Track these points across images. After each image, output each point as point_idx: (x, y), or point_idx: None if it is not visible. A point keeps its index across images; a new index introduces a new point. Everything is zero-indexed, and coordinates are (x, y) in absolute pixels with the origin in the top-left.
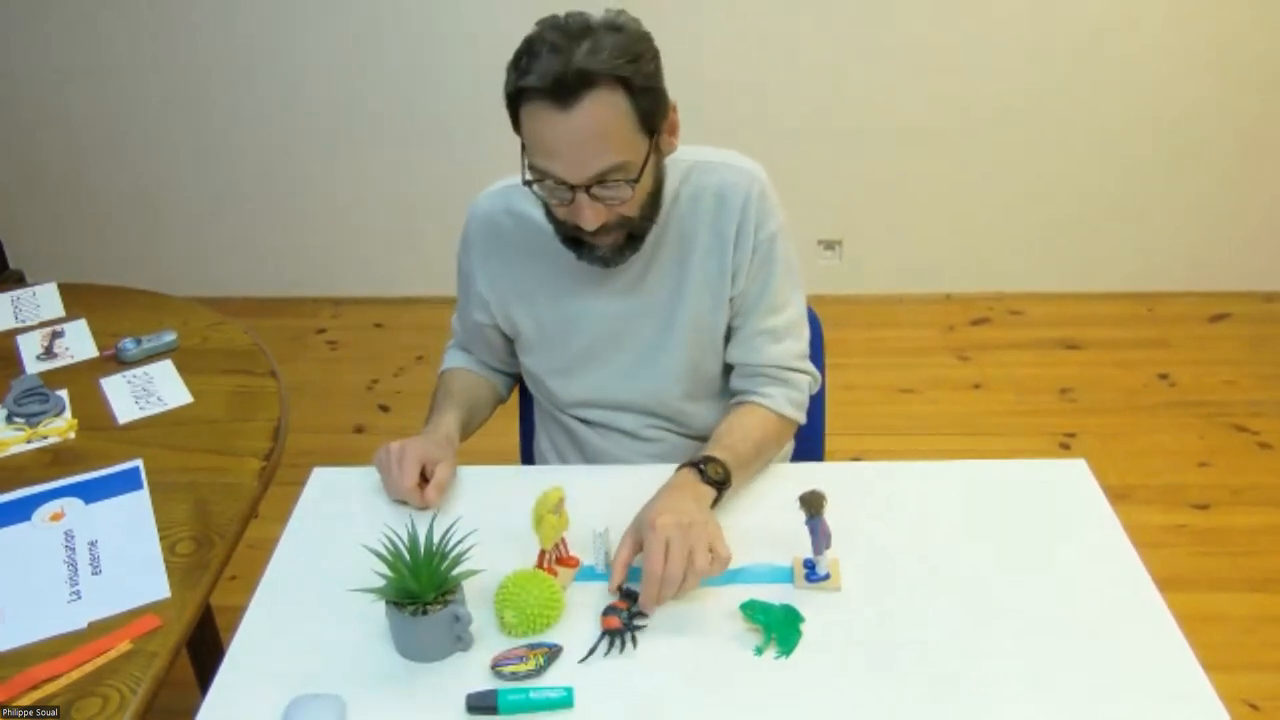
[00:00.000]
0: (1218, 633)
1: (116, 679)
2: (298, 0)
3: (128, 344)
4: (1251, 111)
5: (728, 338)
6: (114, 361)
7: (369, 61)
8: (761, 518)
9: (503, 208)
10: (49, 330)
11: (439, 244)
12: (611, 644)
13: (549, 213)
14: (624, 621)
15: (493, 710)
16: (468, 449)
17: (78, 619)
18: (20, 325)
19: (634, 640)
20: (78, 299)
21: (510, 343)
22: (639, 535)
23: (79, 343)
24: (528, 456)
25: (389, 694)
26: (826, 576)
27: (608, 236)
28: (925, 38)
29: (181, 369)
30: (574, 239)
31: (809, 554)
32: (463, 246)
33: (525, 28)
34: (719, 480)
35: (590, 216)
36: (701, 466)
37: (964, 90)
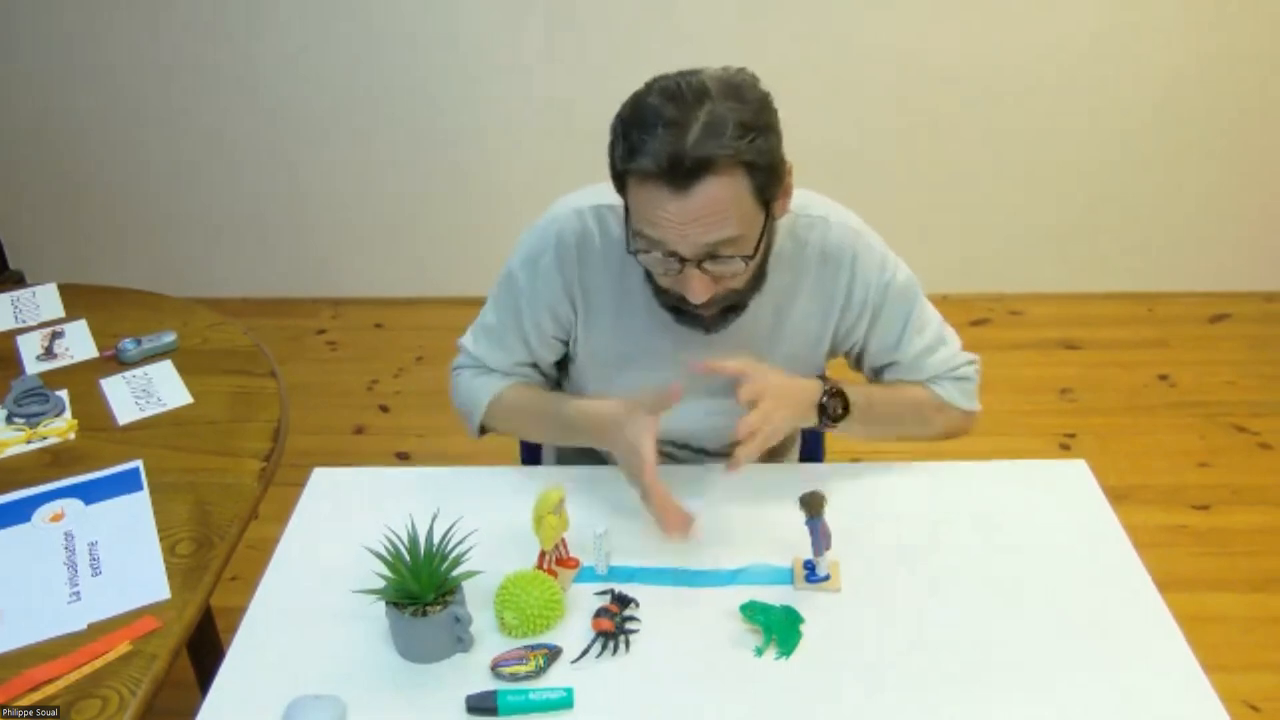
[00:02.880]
0: (1218, 633)
1: (116, 680)
2: (297, 4)
3: (128, 344)
4: (1252, 111)
5: (878, 376)
6: (114, 362)
7: (369, 62)
8: (761, 518)
9: (598, 229)
10: (49, 331)
11: (439, 244)
12: (604, 647)
13: (651, 278)
14: (616, 624)
15: (493, 711)
16: (467, 449)
17: (77, 620)
18: (20, 325)
19: (626, 643)
20: (78, 299)
21: (545, 369)
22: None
23: (79, 343)
24: (528, 457)
25: (389, 694)
26: (826, 577)
27: (711, 308)
28: (923, 38)
29: (181, 369)
30: (675, 306)
31: (809, 555)
32: (533, 262)
33: (526, 29)
34: (833, 416)
35: (699, 290)
36: (825, 401)
37: (963, 90)
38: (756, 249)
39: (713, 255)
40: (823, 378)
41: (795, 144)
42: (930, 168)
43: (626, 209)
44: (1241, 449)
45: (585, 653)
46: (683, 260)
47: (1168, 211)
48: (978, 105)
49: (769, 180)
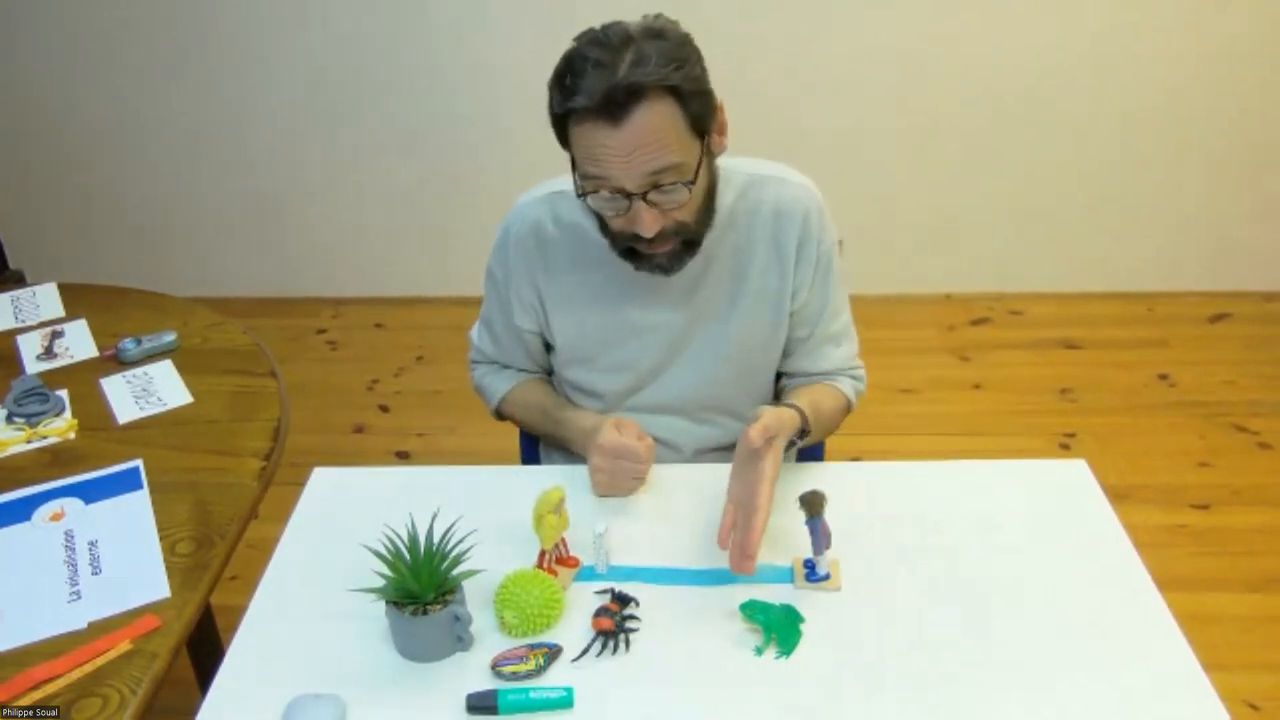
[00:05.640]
0: (1218, 633)
1: (116, 679)
2: (298, 3)
3: (128, 344)
4: (1252, 111)
5: (786, 349)
6: (114, 361)
7: (370, 63)
8: None
9: (549, 215)
10: (49, 330)
11: (439, 244)
12: (604, 646)
13: (603, 226)
14: (616, 623)
15: (493, 710)
16: (468, 449)
17: (78, 619)
18: (20, 325)
19: (626, 643)
20: (78, 299)
21: (548, 349)
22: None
23: (79, 343)
24: (528, 456)
25: (389, 694)
26: (826, 576)
27: (665, 244)
28: (925, 37)
29: (181, 369)
30: (630, 250)
31: (809, 554)
32: (501, 253)
33: (526, 30)
34: (794, 442)
35: (649, 222)
36: (802, 432)
37: (964, 90)
38: (696, 175)
39: (656, 185)
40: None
41: (796, 142)
42: (930, 168)
43: (573, 160)
44: (1241, 449)
45: (585, 652)
46: (629, 196)
47: (1168, 211)
48: (978, 105)
49: (701, 109)
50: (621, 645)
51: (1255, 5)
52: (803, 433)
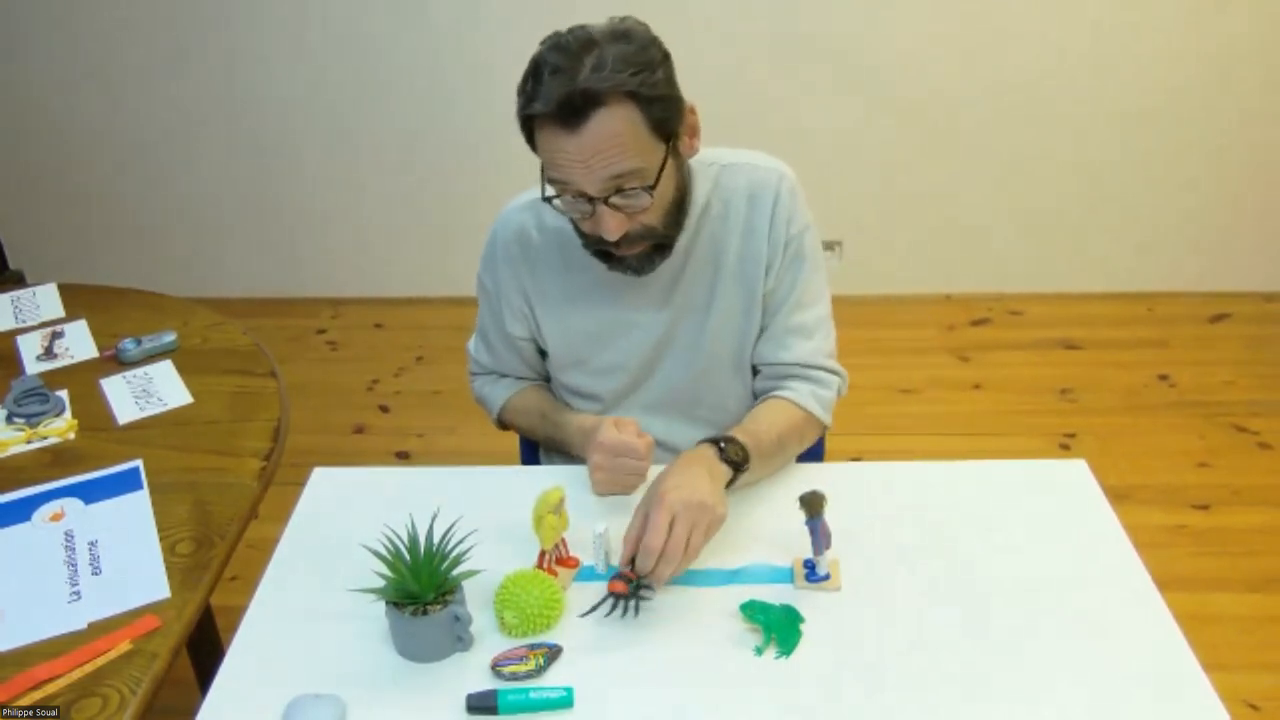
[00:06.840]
0: (1218, 633)
1: (116, 679)
2: (298, 3)
3: (128, 344)
4: (1252, 111)
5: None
6: (114, 362)
7: (371, 63)
8: (761, 518)
9: (533, 222)
10: (49, 330)
11: (439, 244)
12: (614, 607)
13: (576, 227)
14: (631, 589)
15: (493, 710)
16: (468, 449)
17: (78, 619)
18: (20, 325)
19: (636, 609)
20: (78, 299)
21: (543, 355)
22: (648, 508)
23: (79, 343)
24: (528, 457)
25: (389, 694)
26: (826, 577)
27: (633, 246)
28: (924, 37)
29: (181, 369)
30: (603, 251)
31: (809, 554)
32: (489, 263)
33: (522, 31)
34: (737, 461)
35: (612, 226)
36: (721, 445)
37: (964, 90)
38: (658, 180)
39: (619, 190)
40: (708, 440)
41: (796, 142)
42: (930, 168)
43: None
44: (1241, 449)
45: (595, 608)
46: (591, 200)
47: (1168, 211)
48: (978, 105)
49: (664, 114)
50: (630, 610)
51: (1255, 5)
52: (739, 451)
